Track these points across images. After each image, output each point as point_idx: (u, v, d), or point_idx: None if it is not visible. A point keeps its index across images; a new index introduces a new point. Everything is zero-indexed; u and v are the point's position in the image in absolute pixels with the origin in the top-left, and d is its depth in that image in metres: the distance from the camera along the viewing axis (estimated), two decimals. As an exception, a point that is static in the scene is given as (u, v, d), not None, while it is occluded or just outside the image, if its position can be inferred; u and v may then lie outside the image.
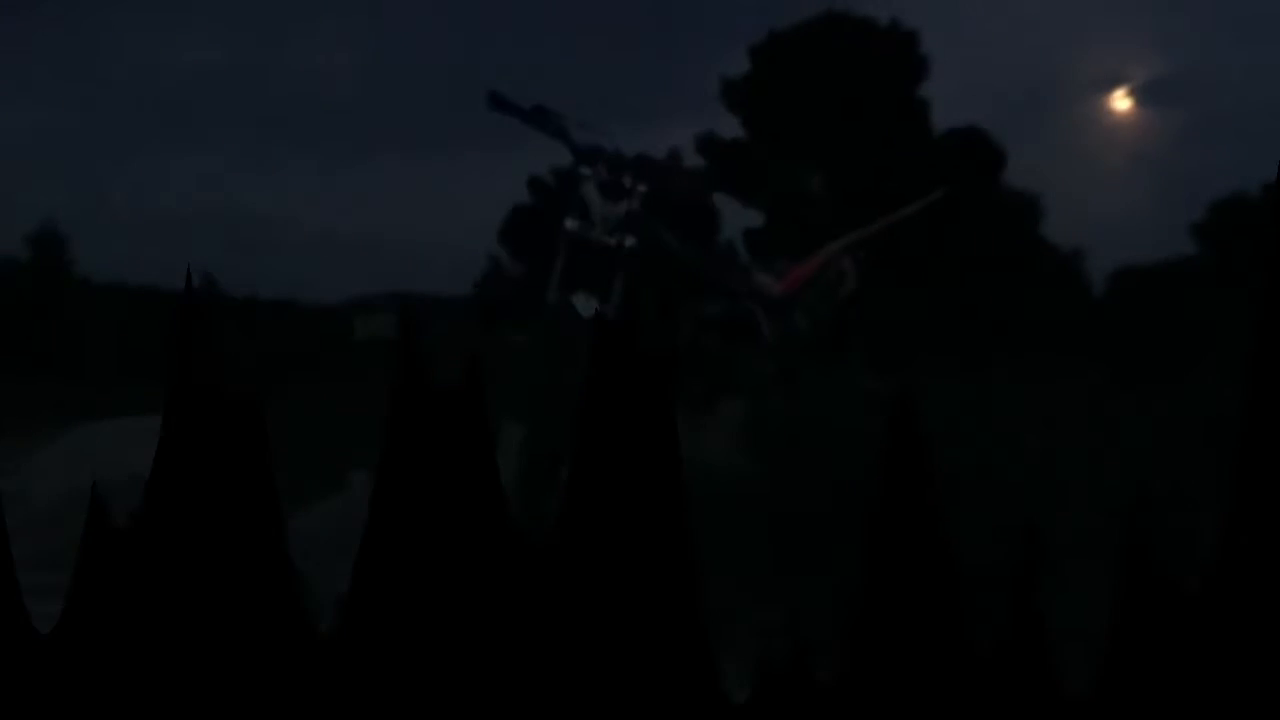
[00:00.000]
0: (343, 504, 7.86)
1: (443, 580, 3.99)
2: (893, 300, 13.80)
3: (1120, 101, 38.18)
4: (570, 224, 4.34)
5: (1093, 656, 3.74)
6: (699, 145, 20.74)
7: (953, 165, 19.30)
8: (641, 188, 4.52)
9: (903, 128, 21.46)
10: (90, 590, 4.46)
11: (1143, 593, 3.83)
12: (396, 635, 4.02)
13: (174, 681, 4.06)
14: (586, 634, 3.89)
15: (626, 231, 4.42)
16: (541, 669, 3.84)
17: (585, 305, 4.65)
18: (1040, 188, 23.74)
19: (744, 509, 5.80)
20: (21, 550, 7.66)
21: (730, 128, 22.73)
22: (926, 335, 14.11)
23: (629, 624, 3.82)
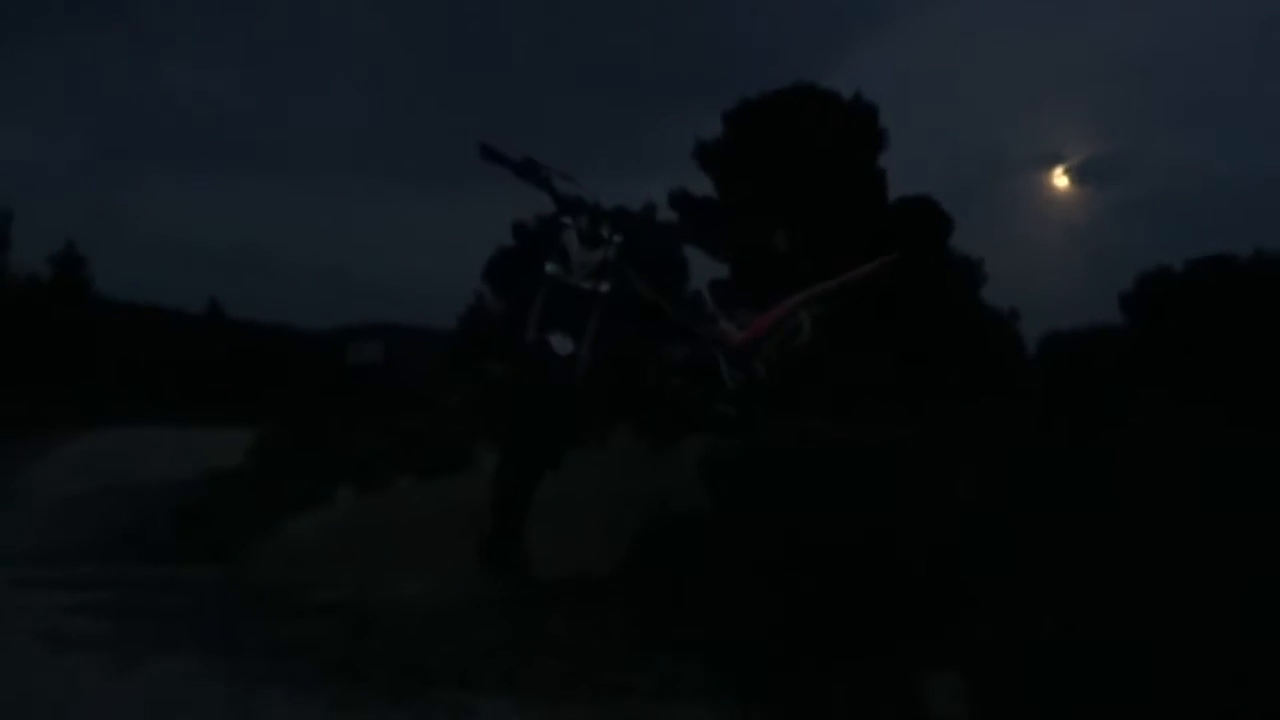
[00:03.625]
0: (329, 515, 8.43)
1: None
2: (845, 350, 14.81)
3: (1059, 179, 41.17)
4: (550, 268, 4.91)
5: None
6: (671, 200, 21.93)
7: (905, 229, 20.61)
8: (617, 238, 5.11)
9: (861, 192, 22.82)
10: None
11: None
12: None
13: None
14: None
15: (602, 278, 4.98)
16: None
17: (561, 344, 5.22)
18: (983, 253, 25.45)
19: (696, 537, 6.21)
20: (26, 546, 8.27)
21: (701, 185, 24.08)
22: (874, 383, 15.17)
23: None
